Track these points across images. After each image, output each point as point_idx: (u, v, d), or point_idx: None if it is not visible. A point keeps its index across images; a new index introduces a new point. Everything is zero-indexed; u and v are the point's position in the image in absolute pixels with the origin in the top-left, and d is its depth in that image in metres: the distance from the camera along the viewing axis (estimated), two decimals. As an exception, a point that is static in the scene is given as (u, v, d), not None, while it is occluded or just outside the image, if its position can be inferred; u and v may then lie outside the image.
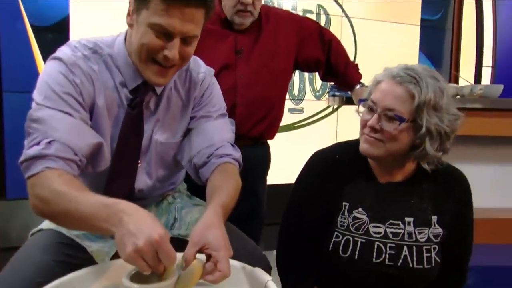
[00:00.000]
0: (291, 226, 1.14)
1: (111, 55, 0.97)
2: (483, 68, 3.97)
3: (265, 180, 1.73)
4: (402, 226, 1.06)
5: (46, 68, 0.93)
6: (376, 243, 1.05)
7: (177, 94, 1.07)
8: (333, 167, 1.10)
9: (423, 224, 1.06)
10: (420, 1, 3.64)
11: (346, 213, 1.07)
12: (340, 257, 1.06)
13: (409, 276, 1.05)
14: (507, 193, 1.93)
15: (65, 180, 0.83)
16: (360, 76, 1.71)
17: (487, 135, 1.83)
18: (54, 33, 2.51)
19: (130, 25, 0.93)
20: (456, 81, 3.86)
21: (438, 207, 1.08)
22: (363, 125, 1.04)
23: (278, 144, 3.14)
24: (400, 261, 1.04)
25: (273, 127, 1.64)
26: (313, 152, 1.17)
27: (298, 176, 1.16)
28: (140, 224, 0.72)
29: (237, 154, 1.11)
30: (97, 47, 0.97)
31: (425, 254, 1.05)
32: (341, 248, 1.06)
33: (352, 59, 2.80)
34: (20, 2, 2.42)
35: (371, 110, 1.02)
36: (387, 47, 3.53)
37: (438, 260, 1.07)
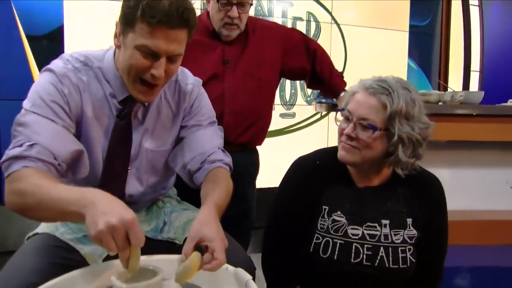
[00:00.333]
0: (275, 229, 1.20)
1: (101, 68, 1.04)
2: (472, 73, 4.05)
3: (254, 185, 1.79)
4: (378, 228, 1.12)
5: (38, 79, 1.00)
6: (354, 244, 1.11)
7: (167, 104, 1.13)
8: (313, 173, 1.16)
9: (399, 226, 1.12)
10: (409, 8, 3.72)
11: (325, 216, 1.13)
12: (321, 258, 1.11)
13: (386, 275, 1.11)
14: (484, 196, 2.00)
15: (42, 175, 0.87)
16: (344, 84, 1.77)
17: (465, 140, 1.90)
18: (49, 42, 2.56)
19: (118, 46, 0.99)
20: (445, 87, 3.93)
21: (412, 210, 1.14)
22: (340, 133, 1.10)
23: (270, 149, 3.20)
24: (377, 261, 1.10)
25: (260, 134, 1.70)
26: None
27: (281, 181, 1.22)
28: (112, 205, 0.76)
29: (228, 159, 1.18)
30: (88, 60, 1.03)
31: (400, 255, 1.11)
32: (321, 249, 1.12)
33: (342, 65, 2.86)
34: (15, 12, 2.47)
35: (347, 119, 1.09)
36: (376, 53, 3.59)
37: (414, 260, 1.13)
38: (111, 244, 0.73)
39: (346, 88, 1.77)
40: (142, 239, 0.75)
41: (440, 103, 1.91)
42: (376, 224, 1.12)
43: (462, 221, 1.78)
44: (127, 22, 0.92)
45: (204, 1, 1.63)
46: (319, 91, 1.98)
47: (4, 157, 0.91)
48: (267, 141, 3.07)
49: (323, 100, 2.02)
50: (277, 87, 1.74)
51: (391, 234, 1.12)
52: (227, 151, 1.49)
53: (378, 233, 1.11)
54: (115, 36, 0.98)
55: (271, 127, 3.26)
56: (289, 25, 3.29)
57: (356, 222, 1.12)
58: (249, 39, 1.59)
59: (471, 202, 1.99)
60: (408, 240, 1.12)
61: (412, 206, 1.14)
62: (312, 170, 1.17)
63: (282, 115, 3.36)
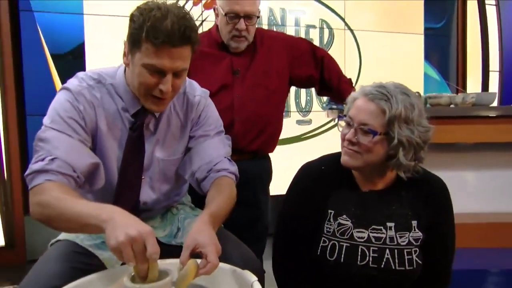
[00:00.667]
0: (283, 233, 1.24)
1: (113, 84, 1.11)
2: (492, 73, 3.98)
3: (267, 191, 1.83)
4: (384, 231, 1.14)
5: (56, 97, 1.08)
6: (360, 247, 1.14)
7: (176, 116, 1.20)
8: (319, 178, 1.20)
9: (404, 228, 1.15)
10: (423, 10, 3.70)
11: (331, 220, 1.16)
12: (328, 261, 1.15)
13: (392, 277, 1.13)
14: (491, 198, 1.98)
15: (63, 189, 0.95)
16: (353, 89, 1.80)
17: (474, 143, 1.89)
18: (71, 59, 2.70)
19: (127, 64, 1.06)
20: (464, 88, 3.88)
21: (417, 213, 1.16)
22: (342, 138, 1.14)
23: (287, 155, 3.24)
24: (383, 263, 1.12)
25: (271, 142, 1.75)
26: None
27: (289, 186, 1.26)
28: (130, 220, 0.84)
29: (233, 167, 1.23)
30: (101, 78, 1.11)
31: (406, 257, 1.13)
32: (328, 252, 1.15)
33: (356, 71, 2.87)
34: (40, 32, 2.62)
35: (348, 125, 1.12)
36: (391, 57, 3.58)
37: (420, 262, 1.14)
38: (130, 255, 0.79)
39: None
40: (158, 250, 0.82)
41: (451, 106, 1.91)
42: (382, 227, 1.14)
43: (476, 224, 1.77)
44: (133, 42, 0.99)
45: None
46: (329, 97, 2.02)
47: (28, 171, 0.99)
48: (284, 147, 3.13)
49: (334, 106, 2.06)
50: (286, 95, 1.79)
51: (396, 237, 1.14)
52: (239, 158, 1.56)
53: (384, 235, 1.14)
54: (124, 54, 1.05)
55: (288, 134, 3.32)
56: (303, 33, 3.34)
57: (361, 225, 1.15)
58: (257, 50, 1.65)
59: (483, 203, 1.98)
60: (414, 242, 1.14)
61: (417, 208, 1.16)
62: (317, 175, 1.21)
63: (299, 122, 3.39)
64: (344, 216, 1.16)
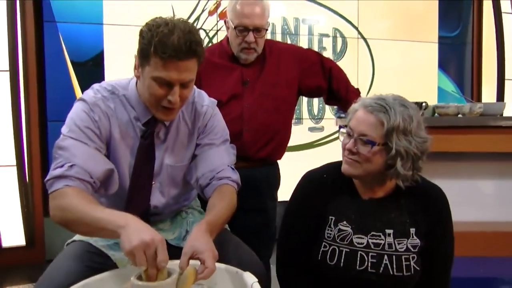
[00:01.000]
0: (286, 238, 1.29)
1: (126, 95, 1.19)
2: (506, 82, 3.94)
3: (275, 197, 1.87)
4: (383, 237, 1.18)
5: (73, 108, 1.16)
6: (359, 252, 1.18)
7: (184, 124, 1.26)
8: (320, 185, 1.25)
9: (402, 235, 1.18)
10: (437, 19, 3.69)
11: (332, 225, 1.21)
12: (328, 265, 1.19)
13: (390, 282, 1.17)
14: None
15: (81, 195, 1.03)
16: (360, 99, 1.84)
17: (470, 152, 1.91)
18: (91, 67, 2.81)
19: (138, 76, 1.14)
20: (479, 97, 3.85)
21: (415, 220, 1.19)
22: (343, 148, 1.19)
23: (299, 162, 3.28)
24: (381, 268, 1.16)
25: (279, 149, 1.80)
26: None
27: (292, 193, 1.31)
28: (144, 227, 0.92)
29: (235, 176, 1.28)
30: (114, 89, 1.19)
31: (404, 263, 1.17)
32: (328, 257, 1.19)
33: (369, 80, 2.90)
34: (62, 41, 2.74)
35: (349, 135, 1.17)
36: (405, 66, 3.58)
37: (418, 268, 1.18)
38: (142, 258, 0.87)
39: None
40: (167, 257, 0.89)
41: (459, 115, 1.93)
42: (381, 234, 1.18)
43: (479, 232, 1.78)
44: (143, 56, 1.07)
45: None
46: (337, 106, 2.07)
47: (48, 177, 1.07)
48: (296, 154, 3.17)
49: (343, 115, 2.10)
50: (295, 104, 1.84)
51: (394, 243, 1.18)
52: (247, 165, 1.61)
53: (382, 242, 1.18)
54: (135, 67, 1.13)
55: (301, 141, 3.36)
56: (316, 42, 3.39)
57: (361, 232, 1.19)
58: (266, 61, 1.71)
59: (484, 213, 1.98)
60: (412, 249, 1.18)
61: (415, 216, 1.20)
62: (319, 182, 1.25)
63: (311, 129, 3.43)
64: (345, 222, 1.20)
